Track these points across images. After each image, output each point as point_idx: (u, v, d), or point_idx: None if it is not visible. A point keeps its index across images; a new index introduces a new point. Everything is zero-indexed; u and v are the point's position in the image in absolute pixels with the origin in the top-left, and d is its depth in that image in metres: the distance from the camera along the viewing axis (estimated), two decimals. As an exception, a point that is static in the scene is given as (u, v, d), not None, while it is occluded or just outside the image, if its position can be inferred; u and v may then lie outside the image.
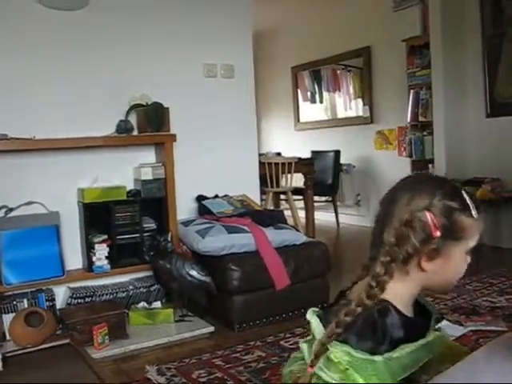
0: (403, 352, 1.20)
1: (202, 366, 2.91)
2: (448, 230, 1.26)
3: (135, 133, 3.82)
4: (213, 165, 4.20)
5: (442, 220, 1.25)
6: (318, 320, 1.33)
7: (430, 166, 5.90)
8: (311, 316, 1.35)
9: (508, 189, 5.16)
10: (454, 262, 1.31)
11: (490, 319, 3.27)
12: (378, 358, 1.18)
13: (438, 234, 1.25)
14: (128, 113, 3.80)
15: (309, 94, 8.46)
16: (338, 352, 1.19)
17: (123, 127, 3.74)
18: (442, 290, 1.42)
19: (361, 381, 1.16)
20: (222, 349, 3.14)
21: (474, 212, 1.29)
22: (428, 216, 1.25)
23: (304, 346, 1.34)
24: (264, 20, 7.76)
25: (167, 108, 3.80)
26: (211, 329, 3.39)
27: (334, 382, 1.20)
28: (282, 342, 3.20)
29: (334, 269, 3.91)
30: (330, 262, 3.81)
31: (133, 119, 3.83)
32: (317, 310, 1.39)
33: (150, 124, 3.74)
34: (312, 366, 1.23)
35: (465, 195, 1.30)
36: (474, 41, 5.52)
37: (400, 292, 1.30)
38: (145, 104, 3.80)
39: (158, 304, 3.62)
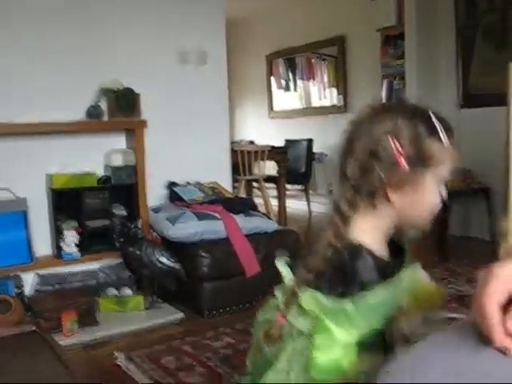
0: (373, 294, 1.13)
1: (171, 352, 2.91)
2: (414, 157, 1.16)
3: (106, 118, 3.78)
4: (184, 152, 4.18)
5: (407, 146, 1.15)
6: (289, 269, 1.27)
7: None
8: (280, 264, 1.29)
9: (478, 180, 5.22)
10: (425, 193, 1.20)
11: (456, 307, 3.32)
12: (348, 304, 1.12)
13: (404, 161, 1.15)
14: (98, 98, 3.76)
15: (283, 82, 8.45)
16: (309, 299, 1.15)
17: (93, 112, 3.70)
18: (415, 228, 1.27)
19: (333, 327, 1.12)
20: (192, 335, 3.14)
21: (442, 136, 1.18)
22: (391, 142, 1.15)
23: (279, 294, 1.28)
24: (239, 7, 7.70)
25: (138, 94, 3.77)
26: (181, 315, 3.39)
27: (306, 330, 1.16)
28: (251, 329, 3.20)
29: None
30: (301, 250, 3.82)
31: (103, 104, 3.78)
32: (287, 258, 1.31)
33: (121, 109, 3.71)
34: (284, 316, 1.20)
35: (433, 117, 1.19)
36: (448, 32, 5.55)
37: (369, 230, 1.22)
38: (116, 89, 3.76)
39: (128, 291, 3.60)
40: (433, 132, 1.17)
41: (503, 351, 0.69)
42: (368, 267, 1.16)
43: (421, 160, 1.16)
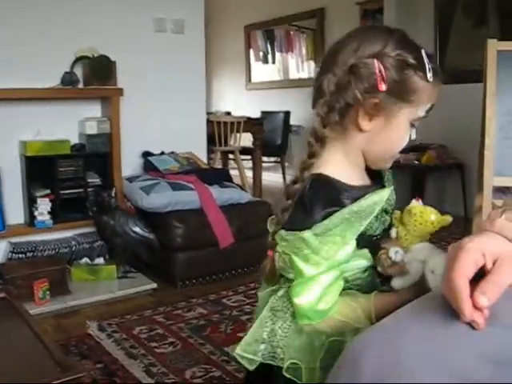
0: (333, 219, 1.07)
1: (143, 322, 2.91)
2: (396, 86, 1.09)
3: (81, 85, 3.73)
4: (160, 121, 4.14)
5: (391, 73, 1.08)
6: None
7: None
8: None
9: (453, 155, 5.26)
10: (396, 128, 1.14)
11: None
12: (305, 232, 1.06)
13: (384, 87, 1.08)
14: (74, 65, 3.69)
15: (261, 53, 8.40)
16: (279, 240, 1.11)
17: (68, 79, 3.64)
18: (379, 162, 1.20)
19: (299, 262, 1.08)
20: (164, 305, 3.15)
21: (429, 75, 1.11)
22: (376, 64, 1.08)
23: (270, 227, 1.23)
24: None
25: (114, 61, 3.71)
26: (154, 285, 3.39)
27: (289, 275, 1.14)
28: (224, 300, 3.22)
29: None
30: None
31: (78, 72, 3.72)
32: None
33: (97, 77, 3.65)
34: (272, 250, 1.18)
35: (423, 54, 1.13)
36: (427, 7, 5.54)
37: (338, 160, 1.17)
38: (91, 56, 3.70)
39: (100, 260, 3.59)
40: (420, 68, 1.11)
41: (472, 325, 0.69)
42: (331, 195, 1.11)
43: (401, 91, 1.10)
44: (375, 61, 1.08)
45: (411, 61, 1.10)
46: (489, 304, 0.69)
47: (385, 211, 1.19)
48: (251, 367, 1.20)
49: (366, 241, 1.14)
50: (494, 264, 0.72)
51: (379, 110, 1.10)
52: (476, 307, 0.69)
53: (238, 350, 1.20)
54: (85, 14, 3.79)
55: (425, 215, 1.14)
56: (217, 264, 3.53)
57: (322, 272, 1.08)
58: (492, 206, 2.81)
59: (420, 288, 1.08)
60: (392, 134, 1.14)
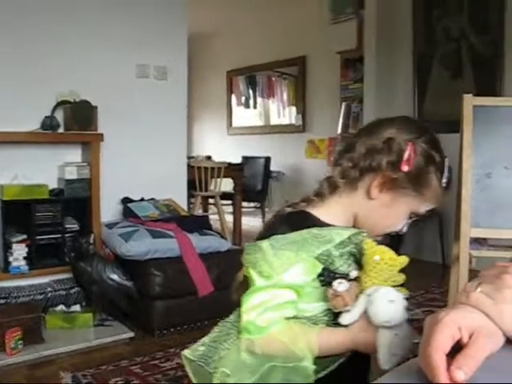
0: (292, 234, 1.15)
1: (119, 372, 2.86)
2: (416, 173, 1.20)
3: (61, 130, 3.72)
4: (140, 167, 4.14)
5: (418, 159, 1.20)
6: None
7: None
8: None
9: (431, 203, 5.31)
10: (396, 210, 1.24)
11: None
12: (264, 242, 1.14)
13: (406, 168, 1.19)
14: (54, 109, 3.70)
15: (243, 98, 8.48)
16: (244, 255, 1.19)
17: (48, 123, 3.64)
18: (367, 231, 1.24)
19: (253, 273, 1.14)
20: (141, 355, 3.09)
21: (444, 180, 1.24)
22: (409, 145, 1.20)
23: None
24: (201, 23, 7.72)
25: (96, 106, 3.72)
26: (131, 334, 3.34)
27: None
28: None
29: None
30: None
31: (59, 116, 3.72)
32: None
33: (77, 122, 3.65)
34: None
35: (446, 161, 1.25)
36: (405, 58, 5.66)
37: (336, 208, 1.25)
38: (73, 101, 3.70)
39: (77, 307, 3.53)
40: (439, 171, 1.23)
41: None
42: (304, 223, 1.18)
43: (418, 180, 1.21)
44: (409, 143, 1.20)
45: (436, 159, 1.22)
46: (466, 378, 0.69)
47: (352, 255, 1.20)
48: (192, 375, 1.22)
49: (328, 277, 1.16)
50: (470, 338, 0.72)
51: (392, 186, 1.21)
52: (453, 382, 0.69)
53: (185, 351, 1.23)
54: (66, 58, 3.81)
55: (376, 253, 1.15)
56: (196, 313, 3.49)
57: (271, 286, 1.12)
58: (469, 257, 2.83)
59: (365, 322, 1.11)
60: (390, 213, 1.24)
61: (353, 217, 1.26)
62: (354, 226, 1.26)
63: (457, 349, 0.72)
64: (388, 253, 1.14)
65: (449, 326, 0.72)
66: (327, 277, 1.16)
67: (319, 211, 1.24)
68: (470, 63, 5.08)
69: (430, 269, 5.17)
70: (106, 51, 4.00)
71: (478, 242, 3.03)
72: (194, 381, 1.22)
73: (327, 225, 1.21)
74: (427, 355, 0.71)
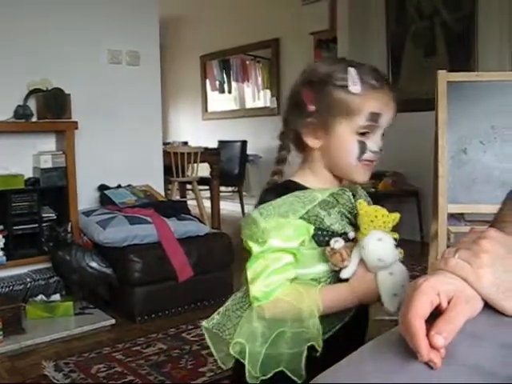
0: (277, 200, 1.21)
1: (101, 360, 2.85)
2: (321, 104, 1.22)
3: (34, 119, 3.68)
4: (116, 154, 4.11)
5: (315, 94, 1.23)
6: None
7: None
8: None
9: (408, 182, 5.35)
10: (339, 139, 1.23)
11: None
12: (254, 212, 1.21)
13: (312, 107, 1.23)
14: (27, 98, 3.65)
15: (217, 83, 8.43)
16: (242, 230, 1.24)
17: (21, 112, 3.59)
18: (347, 174, 1.29)
19: (251, 243, 1.19)
20: (123, 342, 3.08)
21: (353, 87, 1.20)
22: (302, 91, 1.25)
23: None
24: (172, 7, 7.66)
25: (69, 94, 3.68)
26: (112, 321, 3.33)
27: None
28: (183, 335, 3.18)
29: (237, 260, 3.92)
30: (234, 253, 3.80)
31: (32, 105, 3.68)
32: None
33: (51, 110, 3.61)
34: None
35: (350, 69, 1.21)
36: (379, 37, 5.66)
37: (308, 174, 1.31)
38: (45, 89, 3.66)
39: (57, 297, 3.50)
40: (344, 82, 1.21)
41: (429, 364, 0.70)
42: (287, 189, 1.24)
43: (327, 107, 1.22)
44: (302, 88, 1.25)
45: (335, 79, 1.21)
46: (445, 343, 0.70)
47: (345, 216, 1.26)
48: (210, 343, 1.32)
49: (322, 236, 1.22)
50: (448, 303, 0.73)
51: (315, 128, 1.24)
52: (433, 347, 0.69)
53: (203, 322, 1.33)
54: (37, 45, 3.76)
55: (369, 212, 1.22)
56: (176, 298, 3.49)
57: (267, 250, 1.17)
58: (447, 233, 2.86)
59: (362, 271, 1.20)
60: (337, 145, 1.25)
61: (328, 173, 1.30)
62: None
63: (436, 314, 0.73)
64: (380, 211, 1.22)
65: (427, 292, 0.73)
66: (321, 236, 1.22)
67: (302, 178, 1.30)
68: (443, 40, 5.10)
69: (409, 247, 5.19)
70: (77, 37, 3.95)
71: (455, 217, 3.06)
72: (212, 348, 1.33)
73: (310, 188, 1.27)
74: (406, 322, 0.72)
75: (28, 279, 3.49)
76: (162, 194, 4.31)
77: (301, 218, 1.19)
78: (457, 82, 2.77)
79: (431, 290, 0.73)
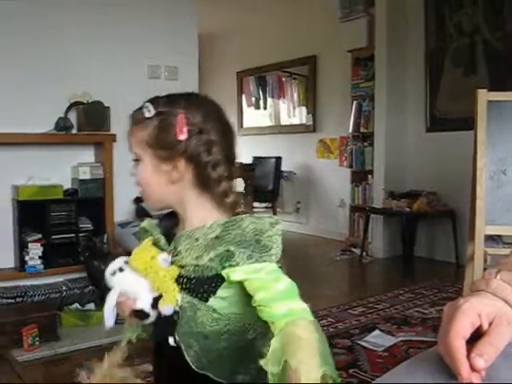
0: None
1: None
2: None
3: (74, 131, 3.75)
4: (153, 167, 4.15)
5: None
6: None
7: (369, 177, 6.00)
8: None
9: (443, 202, 5.29)
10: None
11: (421, 330, 3.35)
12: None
13: None
14: (68, 110, 3.73)
15: (253, 99, 8.48)
16: None
17: (62, 125, 3.67)
18: None
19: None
20: (155, 353, 3.09)
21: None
22: None
23: None
24: (211, 23, 7.74)
25: (108, 107, 3.75)
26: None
27: None
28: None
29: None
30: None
31: (72, 117, 3.75)
32: None
33: (90, 123, 3.68)
34: None
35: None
36: (417, 55, 5.64)
37: None
38: (85, 102, 3.73)
39: (91, 306, 3.55)
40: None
41: None
42: None
43: None
44: None
45: None
46: (485, 365, 0.69)
47: None
48: None
49: None
50: (490, 325, 0.73)
51: None
52: (473, 369, 0.69)
53: None
54: (79, 59, 3.85)
55: None
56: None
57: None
58: (484, 255, 2.82)
59: None
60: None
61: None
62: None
63: (476, 337, 0.73)
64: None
65: (468, 313, 0.73)
66: None
67: None
68: (483, 59, 5.04)
69: (443, 268, 5.15)
70: (117, 52, 4.03)
71: (493, 239, 3.03)
72: None
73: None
74: (447, 342, 0.71)
75: (64, 287, 3.54)
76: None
77: None
78: (497, 102, 2.74)
79: (472, 311, 0.73)
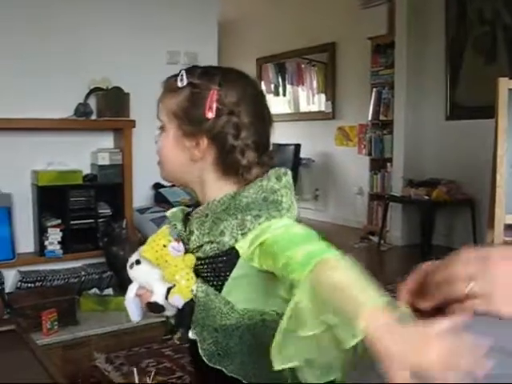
0: None
1: (151, 355, 2.89)
2: None
3: (94, 117, 3.77)
4: (172, 153, 4.16)
5: None
6: None
7: (388, 164, 5.96)
8: None
9: (462, 191, 5.25)
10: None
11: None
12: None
13: None
14: (87, 96, 3.74)
15: (272, 86, 8.45)
16: None
17: (82, 110, 3.68)
18: None
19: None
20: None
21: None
22: None
23: None
24: (231, 10, 7.72)
25: (128, 93, 3.76)
26: (162, 318, 3.36)
27: None
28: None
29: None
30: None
31: (92, 103, 3.76)
32: None
33: (110, 109, 3.69)
34: None
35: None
36: (438, 43, 5.58)
37: None
38: (105, 88, 3.75)
39: (110, 291, 3.59)
40: None
41: None
42: None
43: None
44: None
45: None
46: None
47: None
48: None
49: None
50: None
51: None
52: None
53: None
54: (98, 45, 3.85)
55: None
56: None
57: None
58: (503, 244, 2.80)
59: None
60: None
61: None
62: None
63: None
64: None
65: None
66: None
67: None
68: (505, 46, 4.97)
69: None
70: (137, 38, 4.02)
71: (512, 228, 3.00)
72: None
73: None
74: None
75: (83, 272, 3.58)
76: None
77: None
78: (518, 90, 2.71)
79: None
